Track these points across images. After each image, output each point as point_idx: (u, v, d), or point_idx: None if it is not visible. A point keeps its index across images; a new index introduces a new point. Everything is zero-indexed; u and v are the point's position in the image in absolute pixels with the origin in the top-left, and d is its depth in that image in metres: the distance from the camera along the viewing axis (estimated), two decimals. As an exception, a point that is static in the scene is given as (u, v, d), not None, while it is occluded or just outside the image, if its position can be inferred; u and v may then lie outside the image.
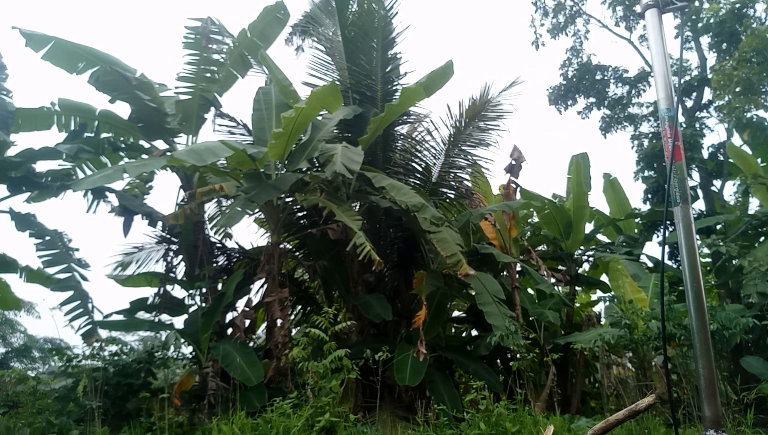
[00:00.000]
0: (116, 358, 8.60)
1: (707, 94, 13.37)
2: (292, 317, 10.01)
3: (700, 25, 12.84)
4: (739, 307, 8.37)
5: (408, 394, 8.58)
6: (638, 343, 7.38)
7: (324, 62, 10.05)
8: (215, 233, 9.89)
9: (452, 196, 10.72)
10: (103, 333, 8.43)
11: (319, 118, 8.96)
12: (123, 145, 9.63)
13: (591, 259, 11.72)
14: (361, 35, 9.47)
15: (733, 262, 9.90)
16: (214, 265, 9.53)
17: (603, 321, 10.22)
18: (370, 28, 9.40)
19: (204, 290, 9.00)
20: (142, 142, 9.80)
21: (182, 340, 8.75)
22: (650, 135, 14.01)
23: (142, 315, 8.99)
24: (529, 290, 11.06)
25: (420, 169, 10.20)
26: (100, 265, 11.61)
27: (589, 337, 8.02)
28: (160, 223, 9.39)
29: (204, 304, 8.88)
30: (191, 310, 9.02)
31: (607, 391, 9.11)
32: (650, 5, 1.57)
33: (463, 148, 10.10)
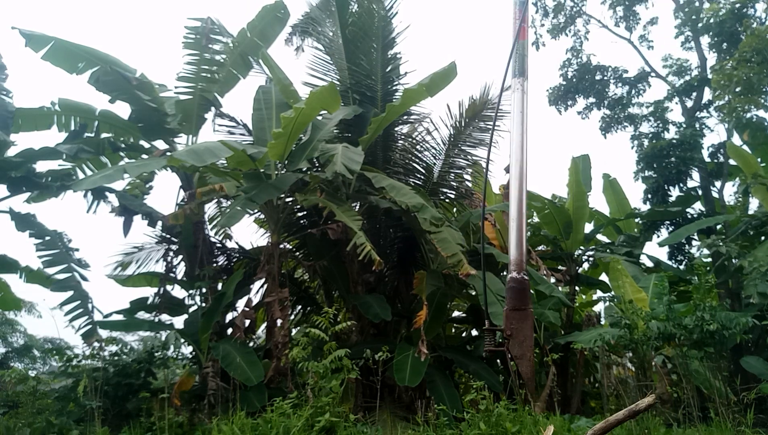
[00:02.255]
0: (116, 358, 8.60)
1: (707, 94, 13.38)
2: (292, 317, 10.01)
3: (700, 25, 12.83)
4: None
5: (408, 394, 8.58)
6: (638, 343, 7.38)
7: (324, 62, 10.06)
8: (215, 233, 9.90)
9: (452, 196, 10.73)
10: (103, 333, 8.44)
11: (320, 118, 8.96)
12: (123, 145, 9.63)
13: (591, 259, 11.73)
14: (361, 35, 9.47)
15: (733, 261, 9.91)
16: (214, 265, 9.53)
17: (603, 321, 10.22)
18: (370, 28, 9.40)
19: (204, 290, 9.00)
20: (142, 142, 9.79)
21: (182, 340, 8.75)
22: (650, 135, 14.01)
23: (142, 315, 8.99)
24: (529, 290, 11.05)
25: (420, 169, 10.21)
26: (100, 265, 11.61)
27: (589, 337, 8.02)
28: (160, 223, 9.38)
29: (204, 304, 8.88)
30: (191, 310, 9.02)
31: (607, 391, 9.11)
32: None
33: (463, 148, 10.11)
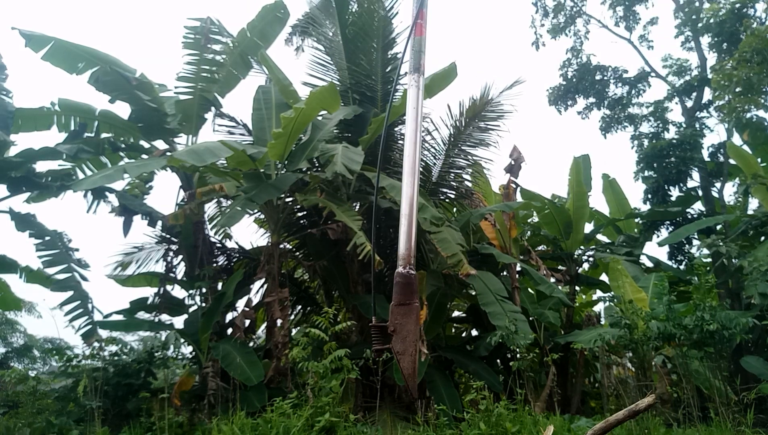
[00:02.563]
0: (116, 358, 8.60)
1: (707, 94, 13.38)
2: (292, 317, 10.01)
3: (700, 25, 12.83)
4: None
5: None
6: (638, 343, 7.38)
7: (324, 62, 10.05)
8: (215, 233, 9.90)
9: (452, 196, 10.73)
10: (103, 333, 8.44)
11: (320, 118, 8.96)
12: (123, 145, 9.64)
13: (591, 259, 11.73)
14: (361, 35, 9.46)
15: (733, 261, 9.90)
16: (214, 265, 9.53)
17: (603, 321, 10.22)
18: (370, 28, 9.40)
19: (204, 290, 9.00)
20: (142, 142, 9.80)
21: (182, 340, 8.75)
22: (650, 135, 14.01)
23: (142, 315, 8.99)
24: (529, 290, 11.06)
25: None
26: (100, 265, 11.62)
27: (589, 337, 8.02)
28: (160, 223, 9.39)
29: (204, 304, 8.88)
30: (191, 310, 9.02)
31: (607, 391, 9.11)
32: None
33: (463, 148, 10.10)
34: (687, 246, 12.38)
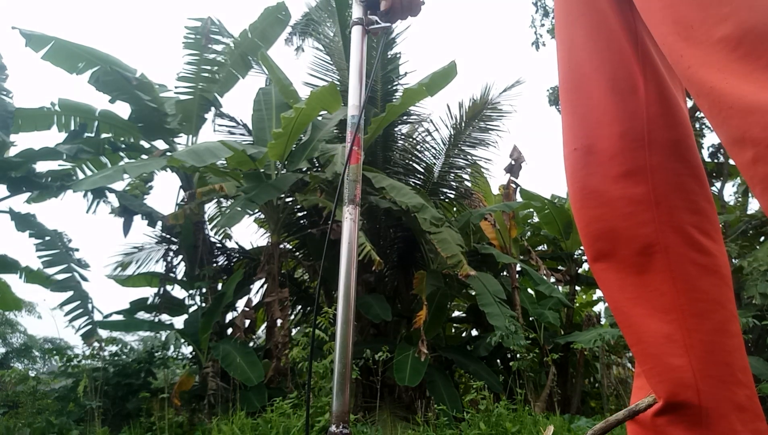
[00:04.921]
0: (116, 358, 8.60)
1: (707, 95, 13.37)
2: (292, 317, 10.02)
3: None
4: None
5: (408, 394, 8.58)
6: (638, 343, 7.35)
7: (324, 62, 10.06)
8: (215, 233, 9.91)
9: (452, 196, 10.74)
10: (103, 333, 8.44)
11: (319, 118, 8.96)
12: (123, 145, 9.63)
13: (591, 259, 11.69)
14: (362, 35, 9.46)
15: (734, 261, 9.89)
16: (214, 265, 9.53)
17: (603, 321, 10.22)
18: (370, 28, 9.40)
19: (204, 290, 9.00)
20: (142, 142, 9.80)
21: (182, 340, 8.75)
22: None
23: (142, 315, 8.98)
24: (529, 290, 11.06)
25: (420, 169, 10.21)
26: (100, 265, 11.62)
27: (589, 337, 8.01)
28: (160, 223, 9.39)
29: (204, 304, 8.88)
30: (191, 310, 9.02)
31: (607, 391, 9.11)
32: (356, 23, 1.78)
33: (463, 148, 10.11)
34: (687, 246, 12.35)
